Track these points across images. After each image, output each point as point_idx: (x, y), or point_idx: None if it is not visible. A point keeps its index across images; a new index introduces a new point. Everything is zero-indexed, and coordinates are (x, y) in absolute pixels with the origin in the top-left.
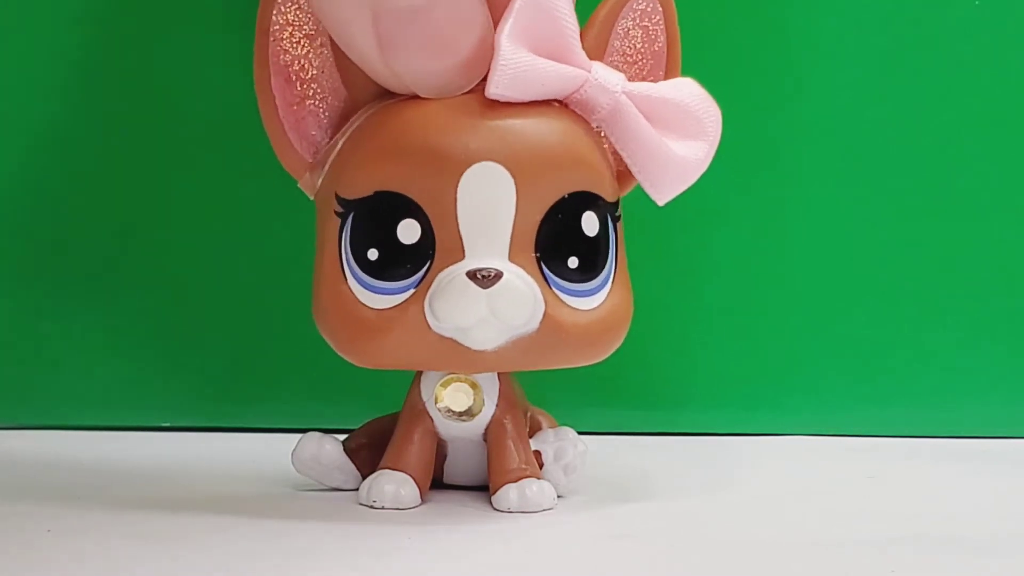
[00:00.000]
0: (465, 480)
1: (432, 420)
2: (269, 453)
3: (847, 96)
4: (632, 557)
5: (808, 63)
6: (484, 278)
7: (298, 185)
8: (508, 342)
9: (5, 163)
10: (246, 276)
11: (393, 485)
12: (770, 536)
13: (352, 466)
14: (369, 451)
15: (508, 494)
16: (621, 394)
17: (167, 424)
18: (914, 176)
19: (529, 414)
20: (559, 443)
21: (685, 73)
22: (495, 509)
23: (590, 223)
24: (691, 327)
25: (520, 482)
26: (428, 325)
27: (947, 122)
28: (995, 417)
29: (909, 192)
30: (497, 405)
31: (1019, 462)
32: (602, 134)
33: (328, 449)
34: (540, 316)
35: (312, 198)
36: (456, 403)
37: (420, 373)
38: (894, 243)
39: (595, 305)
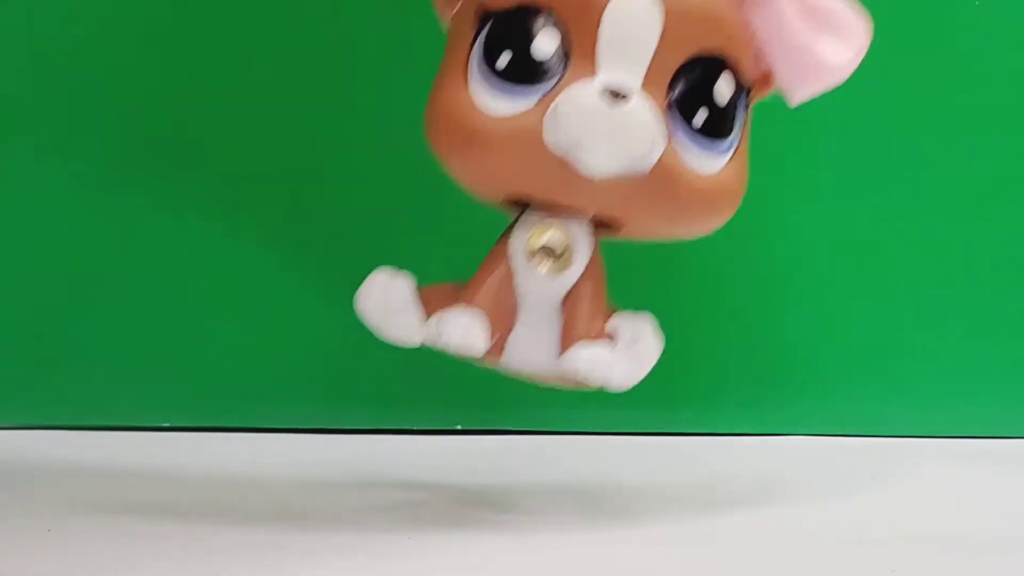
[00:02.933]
0: (524, 360)
1: (514, 274)
2: (269, 453)
3: (847, 96)
4: (632, 557)
5: None
6: (615, 95)
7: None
8: (618, 175)
9: (6, 164)
10: (246, 276)
11: (465, 320)
12: (770, 536)
13: (419, 312)
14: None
15: (580, 353)
16: (621, 394)
17: (167, 424)
18: (914, 175)
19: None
20: (636, 327)
21: None
22: (562, 369)
23: (726, 88)
24: (691, 327)
25: (596, 343)
26: (543, 138)
27: (947, 122)
28: (995, 417)
29: (909, 191)
30: (585, 267)
31: (1019, 462)
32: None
33: (399, 285)
34: (656, 156)
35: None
36: (554, 241)
37: (512, 225)
38: (894, 243)
39: (712, 170)
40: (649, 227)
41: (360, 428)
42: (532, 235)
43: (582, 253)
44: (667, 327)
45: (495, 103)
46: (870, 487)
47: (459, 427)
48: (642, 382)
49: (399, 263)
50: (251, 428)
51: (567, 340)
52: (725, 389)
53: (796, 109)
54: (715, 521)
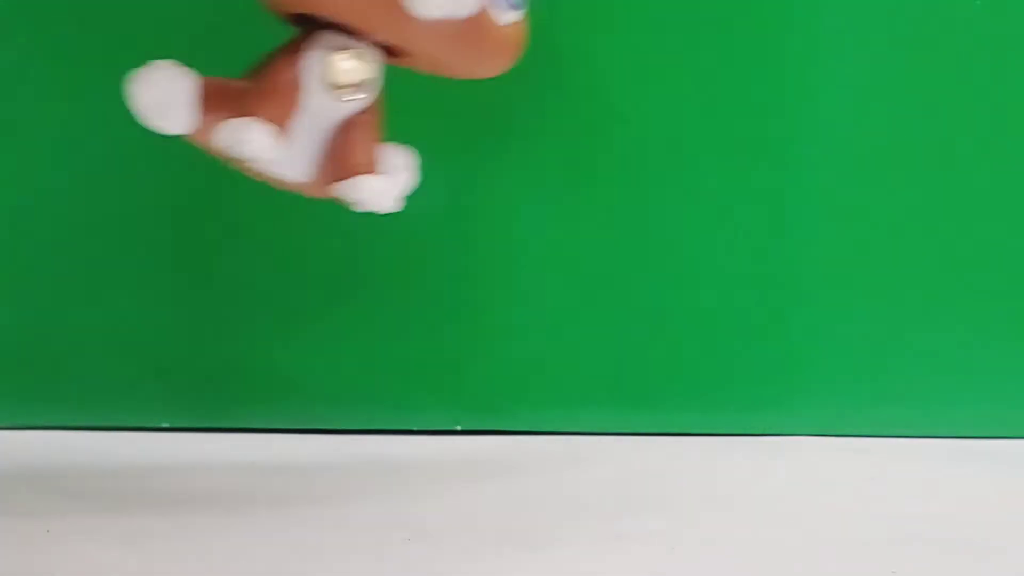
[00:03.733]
0: (288, 168)
1: (303, 89)
2: (269, 453)
3: (848, 96)
4: (632, 557)
5: (809, 63)
6: None
7: None
8: (443, 18)
9: (5, 166)
10: (246, 276)
11: (258, 133)
12: (770, 536)
13: (196, 107)
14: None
15: (362, 183)
16: (621, 394)
17: (167, 424)
18: (915, 176)
19: None
20: (403, 159)
21: (684, 74)
22: (342, 192)
23: None
24: (691, 327)
25: (374, 175)
26: None
27: (948, 122)
28: (996, 417)
29: (910, 192)
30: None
31: (1019, 462)
32: None
33: (182, 80)
34: (472, 5)
35: None
36: (361, 73)
37: (304, 39)
38: (895, 243)
39: (511, 19)
40: (440, 64)
41: (360, 428)
42: (338, 62)
43: (375, 82)
44: (668, 327)
45: None
46: (870, 487)
47: (459, 427)
48: (643, 383)
49: None
50: (251, 428)
51: (345, 165)
52: (725, 389)
53: (797, 109)
54: (715, 521)
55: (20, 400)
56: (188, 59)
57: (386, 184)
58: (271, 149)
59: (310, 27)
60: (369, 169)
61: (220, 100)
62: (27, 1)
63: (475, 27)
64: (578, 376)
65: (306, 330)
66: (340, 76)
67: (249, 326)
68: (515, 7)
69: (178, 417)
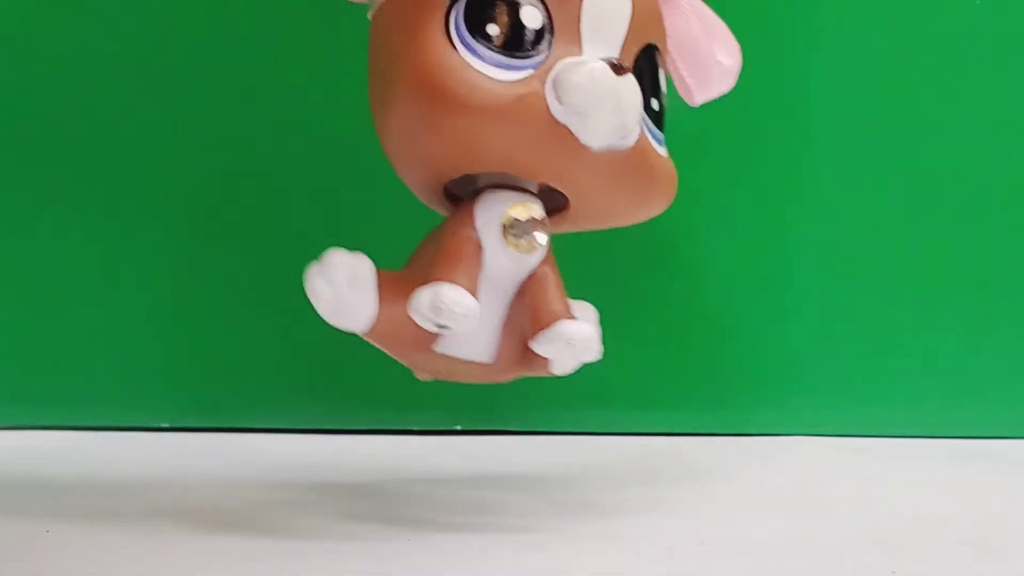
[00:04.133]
0: (463, 348)
1: (484, 251)
2: (269, 453)
3: (848, 96)
4: (632, 557)
5: (809, 63)
6: (617, 67)
7: None
8: (607, 149)
9: (6, 164)
10: (246, 276)
11: (454, 292)
12: (770, 536)
13: (376, 295)
14: (397, 285)
15: (564, 327)
16: (621, 394)
17: (167, 424)
18: (915, 176)
19: None
20: (589, 314)
21: None
22: (543, 345)
23: (664, 80)
24: (691, 327)
25: (578, 320)
26: (546, 105)
27: (948, 122)
28: (996, 417)
29: (910, 192)
30: (545, 254)
31: (1019, 462)
32: None
33: (363, 265)
34: (638, 133)
35: None
36: (537, 216)
37: (473, 204)
38: (894, 243)
39: (664, 154)
40: (607, 209)
41: (360, 428)
42: (514, 208)
43: (545, 238)
44: (668, 327)
45: (490, 71)
46: (870, 487)
47: (459, 427)
48: (642, 383)
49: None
50: (251, 428)
51: (539, 319)
52: (725, 389)
53: (797, 110)
54: (715, 521)
55: (20, 400)
56: None
57: (592, 330)
58: (476, 308)
59: (467, 199)
60: (567, 316)
61: (395, 286)
62: None
63: (641, 158)
64: (578, 376)
65: (306, 330)
66: (520, 223)
67: (249, 326)
68: (661, 142)
69: (178, 417)
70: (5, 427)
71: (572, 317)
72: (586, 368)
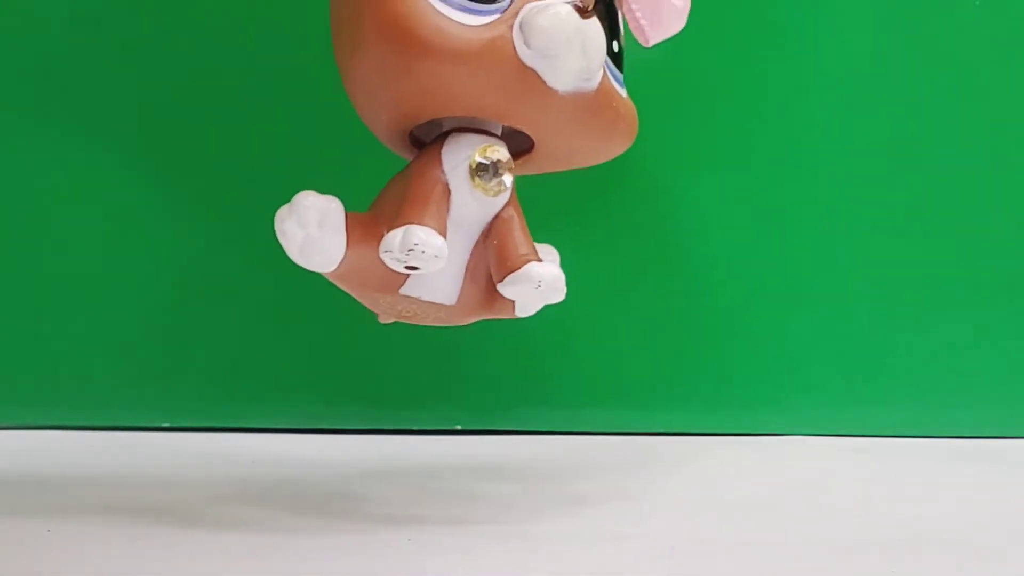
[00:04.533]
0: (430, 289)
1: (452, 193)
2: (269, 453)
3: (848, 97)
4: (632, 557)
5: (809, 63)
6: (582, 10)
7: None
8: (573, 91)
9: (5, 164)
10: (246, 276)
11: (426, 234)
12: (770, 536)
13: (345, 236)
14: (365, 227)
15: (533, 269)
16: (621, 394)
17: (167, 424)
18: (915, 176)
19: None
20: (554, 256)
21: (684, 74)
22: (512, 286)
23: (622, 22)
24: (691, 327)
25: (545, 263)
26: (514, 49)
27: (948, 122)
28: (996, 417)
29: (910, 192)
30: (510, 196)
31: (1019, 462)
32: None
33: (335, 208)
34: (601, 74)
35: None
36: (499, 155)
37: (439, 147)
38: (894, 243)
39: (624, 95)
40: (571, 150)
41: (360, 428)
42: (481, 152)
43: (512, 177)
44: (668, 327)
45: (457, 15)
46: (870, 487)
47: (459, 427)
48: (642, 383)
49: None
50: (251, 428)
51: (507, 261)
52: (725, 389)
53: (796, 110)
54: (715, 521)
55: (20, 400)
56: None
57: (558, 270)
58: (446, 249)
59: (433, 142)
60: (535, 259)
61: (364, 228)
62: None
63: (605, 99)
64: (578, 376)
65: (306, 330)
66: (488, 167)
67: (249, 326)
68: (622, 83)
69: (178, 417)
70: (5, 427)
71: (539, 259)
72: (586, 368)
